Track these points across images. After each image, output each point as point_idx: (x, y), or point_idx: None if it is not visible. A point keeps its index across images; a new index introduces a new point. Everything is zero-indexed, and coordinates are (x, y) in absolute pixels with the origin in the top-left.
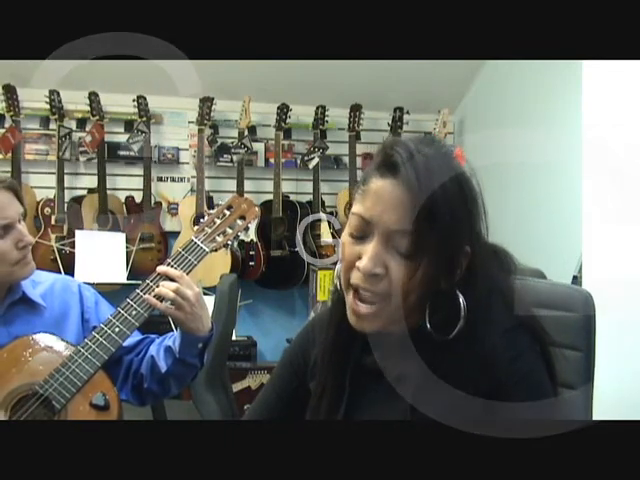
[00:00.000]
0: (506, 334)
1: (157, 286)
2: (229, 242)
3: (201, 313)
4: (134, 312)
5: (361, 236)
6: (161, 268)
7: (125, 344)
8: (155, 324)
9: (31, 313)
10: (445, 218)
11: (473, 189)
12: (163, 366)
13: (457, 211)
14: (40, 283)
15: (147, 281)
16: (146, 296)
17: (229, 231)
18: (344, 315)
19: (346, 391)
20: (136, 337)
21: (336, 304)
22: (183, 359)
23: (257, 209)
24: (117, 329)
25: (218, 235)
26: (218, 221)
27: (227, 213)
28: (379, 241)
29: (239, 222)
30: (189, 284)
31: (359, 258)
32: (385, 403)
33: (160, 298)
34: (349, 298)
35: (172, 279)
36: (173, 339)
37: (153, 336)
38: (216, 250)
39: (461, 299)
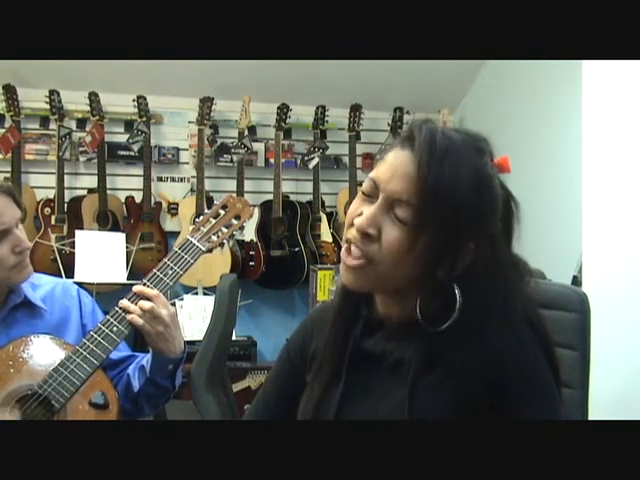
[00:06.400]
0: (514, 329)
1: (135, 303)
2: (225, 241)
3: (174, 334)
4: None
5: (369, 197)
6: (137, 288)
7: (113, 357)
8: None
9: (32, 316)
10: (449, 203)
11: (493, 190)
12: (136, 385)
13: (466, 203)
14: (40, 286)
15: (131, 292)
16: (129, 316)
17: (224, 230)
18: (348, 298)
19: (343, 373)
20: (123, 352)
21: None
22: (154, 379)
23: (252, 209)
24: (115, 328)
25: (214, 234)
26: (213, 220)
27: (222, 213)
28: (380, 204)
29: (234, 221)
30: (164, 303)
31: (359, 216)
32: (382, 390)
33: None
34: (343, 252)
35: (148, 299)
36: (147, 359)
37: (140, 355)
38: (212, 249)
39: (457, 292)
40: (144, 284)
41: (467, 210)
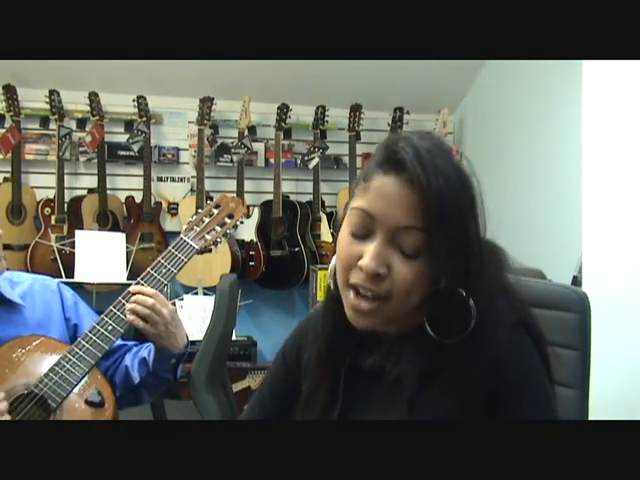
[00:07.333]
0: (508, 332)
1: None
2: (218, 240)
3: (175, 331)
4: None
5: (362, 234)
6: (134, 288)
7: None
8: None
9: (11, 313)
10: (455, 216)
11: (474, 187)
12: (136, 377)
13: (464, 210)
14: (19, 284)
15: (129, 289)
16: (128, 317)
17: (218, 229)
18: (339, 315)
19: (340, 394)
20: (116, 342)
21: (330, 304)
22: (156, 373)
23: (248, 209)
24: (110, 327)
25: (207, 233)
26: (207, 219)
27: (215, 212)
28: (383, 239)
29: (227, 220)
30: (164, 302)
31: (360, 257)
32: (381, 407)
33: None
34: (349, 297)
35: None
36: (148, 351)
37: (131, 344)
38: (205, 248)
39: (471, 301)
40: (138, 283)
41: (466, 216)
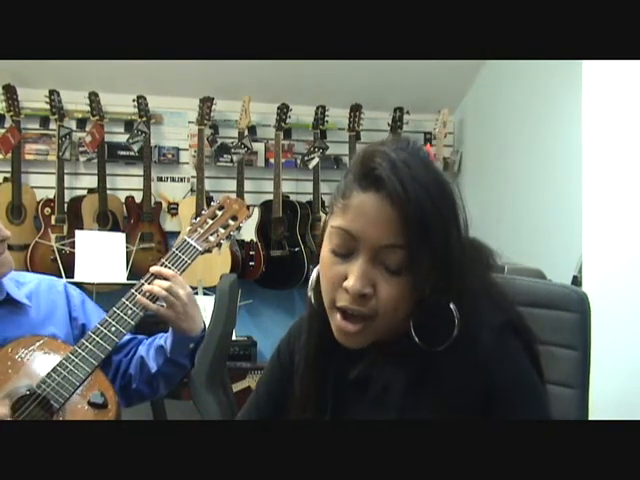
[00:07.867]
0: (494, 334)
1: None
2: (222, 241)
3: (193, 313)
4: (129, 311)
5: (345, 253)
6: (154, 268)
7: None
8: (150, 324)
9: (16, 313)
10: (437, 228)
11: (453, 191)
12: (153, 366)
13: (446, 219)
14: (25, 284)
15: (141, 281)
16: (139, 297)
17: (222, 231)
18: (322, 329)
19: (330, 397)
20: (125, 337)
21: (314, 318)
22: (174, 359)
23: (251, 209)
24: (113, 328)
25: (211, 235)
26: (210, 221)
27: (219, 213)
28: (366, 258)
29: (231, 222)
30: (182, 283)
31: (344, 277)
32: (370, 416)
33: (153, 298)
34: (336, 319)
35: (165, 278)
36: (165, 339)
37: (142, 337)
38: (209, 249)
39: (453, 308)
40: (141, 283)
41: (448, 225)
